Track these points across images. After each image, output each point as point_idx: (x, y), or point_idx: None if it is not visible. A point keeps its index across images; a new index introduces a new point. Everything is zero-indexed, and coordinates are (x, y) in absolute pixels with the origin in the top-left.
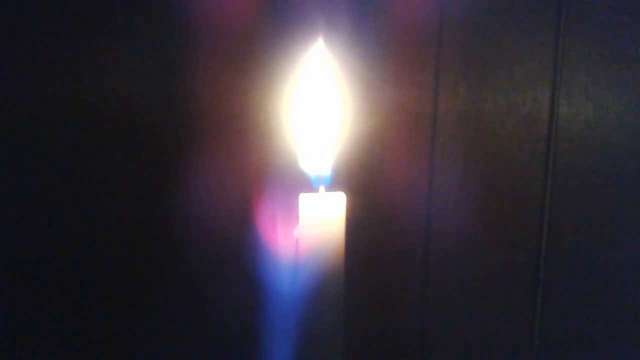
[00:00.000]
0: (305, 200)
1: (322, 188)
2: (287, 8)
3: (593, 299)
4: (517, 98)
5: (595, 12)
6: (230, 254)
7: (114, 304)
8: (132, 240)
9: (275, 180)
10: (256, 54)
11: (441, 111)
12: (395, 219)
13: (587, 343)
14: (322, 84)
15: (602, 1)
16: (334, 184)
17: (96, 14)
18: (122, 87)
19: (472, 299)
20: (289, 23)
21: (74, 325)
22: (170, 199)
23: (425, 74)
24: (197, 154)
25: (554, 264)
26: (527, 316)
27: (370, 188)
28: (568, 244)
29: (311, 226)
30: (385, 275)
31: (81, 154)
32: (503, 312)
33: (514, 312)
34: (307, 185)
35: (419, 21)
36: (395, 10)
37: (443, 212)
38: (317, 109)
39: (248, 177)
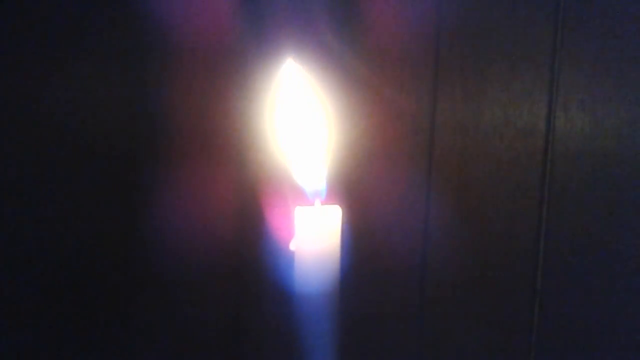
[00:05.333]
0: (301, 213)
1: (317, 201)
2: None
3: (590, 310)
4: (514, 111)
5: (591, 26)
6: (228, 266)
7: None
8: (117, 257)
9: (272, 194)
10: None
11: (439, 124)
12: (392, 231)
13: (584, 353)
14: (298, 98)
15: (598, 15)
16: (330, 197)
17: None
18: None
19: (469, 309)
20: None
21: (73, 326)
22: (166, 214)
23: (422, 87)
24: (192, 170)
25: (551, 275)
26: (524, 327)
27: (366, 200)
28: (565, 254)
29: (307, 239)
30: (382, 287)
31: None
32: (501, 323)
33: (511, 323)
34: (304, 198)
35: (416, 35)
36: (392, 24)
37: (440, 223)
38: (301, 123)
39: (244, 192)
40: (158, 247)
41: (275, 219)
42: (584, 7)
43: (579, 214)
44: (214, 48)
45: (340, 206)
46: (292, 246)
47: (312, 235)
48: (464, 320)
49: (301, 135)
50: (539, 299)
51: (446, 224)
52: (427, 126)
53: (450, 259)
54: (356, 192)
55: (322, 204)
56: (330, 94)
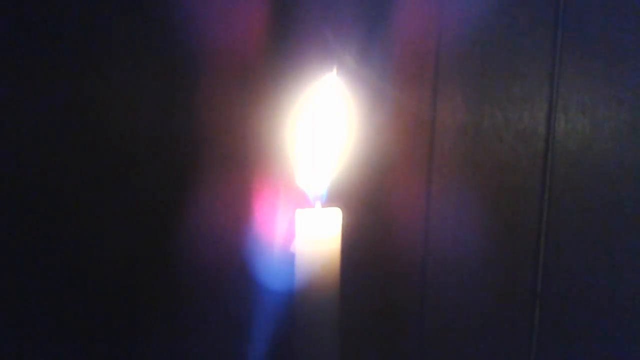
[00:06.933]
0: (301, 215)
1: (318, 204)
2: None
3: (590, 313)
4: (514, 113)
5: (591, 29)
6: (227, 268)
7: (113, 311)
8: (119, 258)
9: (273, 196)
10: (259, 78)
11: (439, 126)
12: (392, 234)
13: (585, 355)
14: (330, 108)
15: (598, 18)
16: (330, 200)
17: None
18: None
19: (469, 314)
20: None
21: (80, 328)
22: (172, 214)
23: (423, 90)
24: (196, 173)
25: (551, 279)
26: (524, 330)
27: (367, 203)
28: (565, 257)
29: (307, 241)
30: (383, 289)
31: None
32: (501, 326)
33: (511, 326)
34: (304, 200)
35: (417, 38)
36: (394, 28)
37: (441, 226)
38: (319, 131)
39: (245, 194)
40: (159, 248)
41: (275, 221)
42: (583, 9)
43: (579, 216)
44: (223, 54)
45: (341, 208)
46: (293, 248)
47: (312, 238)
48: (464, 322)
49: (310, 140)
50: (540, 301)
51: (446, 226)
52: (428, 128)
53: (450, 261)
54: (356, 194)
55: (322, 207)
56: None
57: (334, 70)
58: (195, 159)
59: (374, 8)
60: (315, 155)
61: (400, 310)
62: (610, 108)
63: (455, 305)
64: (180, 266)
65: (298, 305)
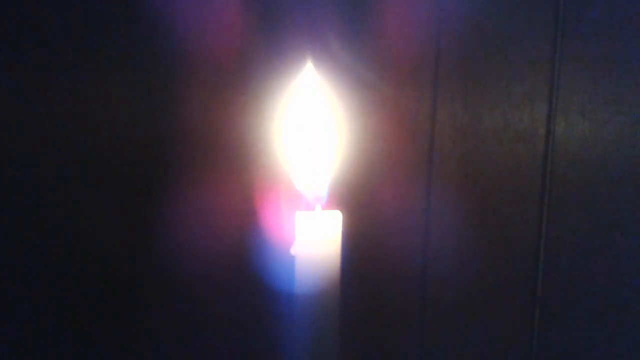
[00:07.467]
0: (301, 218)
1: (318, 206)
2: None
3: (591, 317)
4: (514, 115)
5: (591, 30)
6: (227, 271)
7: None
8: (119, 260)
9: (273, 199)
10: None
11: (438, 128)
12: (392, 236)
13: (584, 357)
14: (313, 105)
15: (598, 18)
16: (330, 202)
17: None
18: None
19: (469, 317)
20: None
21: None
22: (167, 217)
23: (422, 91)
24: (195, 174)
25: (551, 281)
26: (524, 334)
27: (367, 205)
28: (565, 261)
29: (308, 244)
30: (383, 292)
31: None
32: (501, 330)
33: (511, 330)
34: (304, 203)
35: (416, 39)
36: (393, 28)
37: (440, 227)
38: (309, 130)
39: (245, 197)
40: (159, 249)
41: (275, 224)
42: (583, 11)
43: (579, 218)
44: (219, 52)
45: (341, 211)
46: (293, 251)
47: (312, 240)
48: (464, 325)
49: (306, 140)
50: (540, 303)
51: (446, 228)
52: (427, 130)
53: (450, 263)
54: (356, 197)
55: (322, 209)
56: (329, 96)
57: (310, 64)
58: (195, 160)
59: (374, 7)
60: (311, 156)
61: (400, 311)
62: (610, 110)
63: (455, 306)
64: (179, 268)
65: (298, 308)
